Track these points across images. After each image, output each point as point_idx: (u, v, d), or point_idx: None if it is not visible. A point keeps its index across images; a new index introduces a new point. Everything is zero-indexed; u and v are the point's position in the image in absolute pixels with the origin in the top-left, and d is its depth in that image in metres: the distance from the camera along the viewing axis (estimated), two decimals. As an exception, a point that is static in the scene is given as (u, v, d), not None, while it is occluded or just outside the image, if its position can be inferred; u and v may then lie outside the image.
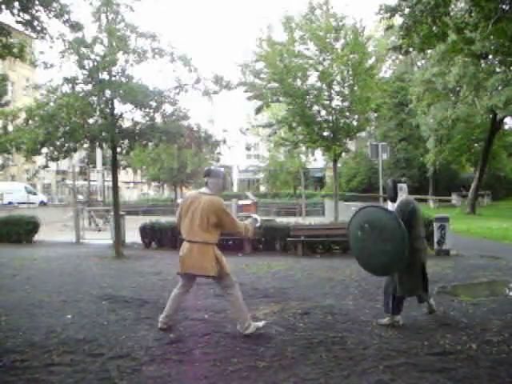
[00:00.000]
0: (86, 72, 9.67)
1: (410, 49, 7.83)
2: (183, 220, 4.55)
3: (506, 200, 36.73)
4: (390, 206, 5.32)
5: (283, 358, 3.93)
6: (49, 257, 10.63)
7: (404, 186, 5.14)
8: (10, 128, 22.22)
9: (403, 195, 5.09)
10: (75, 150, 10.37)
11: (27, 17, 6.37)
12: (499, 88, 21.46)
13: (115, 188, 11.31)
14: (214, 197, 4.53)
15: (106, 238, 13.86)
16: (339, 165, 26.76)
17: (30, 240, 14.12)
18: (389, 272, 4.87)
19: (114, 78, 9.78)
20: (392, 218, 4.68)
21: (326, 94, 14.37)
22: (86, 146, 11.10)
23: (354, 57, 13.73)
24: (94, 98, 9.86)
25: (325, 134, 14.66)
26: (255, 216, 4.83)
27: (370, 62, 14.40)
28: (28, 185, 34.27)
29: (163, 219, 13.61)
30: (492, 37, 7.43)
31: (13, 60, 7.40)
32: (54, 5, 6.48)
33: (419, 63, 34.57)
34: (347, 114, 14.52)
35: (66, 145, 9.94)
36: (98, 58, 9.58)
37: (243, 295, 6.35)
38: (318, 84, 14.39)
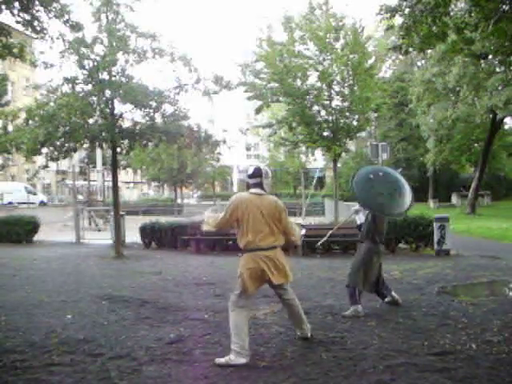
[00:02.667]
0: (85, 72, 9.67)
1: (410, 49, 7.81)
2: (249, 227, 3.98)
3: (506, 200, 36.70)
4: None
5: (283, 358, 3.93)
6: (49, 257, 10.63)
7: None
8: (10, 128, 22.23)
9: None
10: (75, 150, 10.37)
11: (27, 17, 6.36)
12: (499, 88, 21.42)
13: (115, 188, 11.31)
14: (274, 197, 4.26)
15: (106, 238, 13.85)
16: (339, 165, 26.74)
17: (30, 240, 14.12)
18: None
19: (114, 78, 9.78)
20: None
21: (326, 94, 14.37)
22: (85, 145, 11.10)
23: (353, 57, 13.73)
24: (94, 98, 9.86)
25: (325, 133, 14.66)
26: (302, 223, 4.78)
27: (370, 62, 14.40)
28: (28, 185, 34.32)
29: (163, 219, 13.61)
30: (492, 37, 7.40)
31: (13, 60, 7.39)
32: (54, 5, 6.48)
33: (419, 63, 34.55)
34: (347, 114, 14.51)
35: (66, 145, 9.94)
36: (98, 58, 9.59)
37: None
38: (318, 84, 14.39)
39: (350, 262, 5.60)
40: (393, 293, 5.65)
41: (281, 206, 4.14)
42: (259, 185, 4.12)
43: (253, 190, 4.12)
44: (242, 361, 3.80)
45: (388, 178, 5.45)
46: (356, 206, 5.85)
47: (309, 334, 4.36)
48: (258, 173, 4.15)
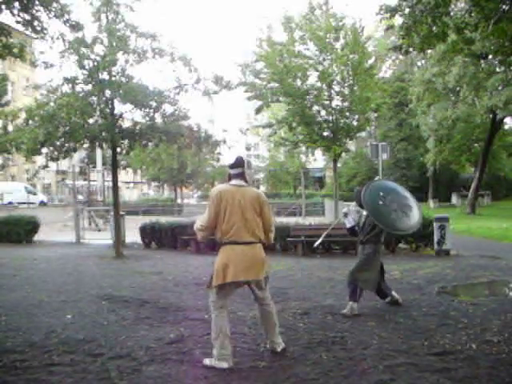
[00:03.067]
0: (85, 72, 9.67)
1: (410, 49, 7.82)
2: (225, 219, 3.76)
3: (506, 200, 36.73)
4: (353, 205, 5.80)
5: (283, 358, 3.93)
6: (49, 257, 10.63)
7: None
8: (10, 128, 22.25)
9: None
10: (75, 150, 10.38)
11: (27, 17, 6.37)
12: (499, 88, 21.43)
13: (115, 188, 11.31)
14: (256, 189, 4.03)
15: (106, 238, 13.86)
16: (339, 165, 26.75)
17: (30, 240, 14.13)
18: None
19: (114, 78, 9.78)
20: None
21: (326, 94, 14.39)
22: (85, 145, 11.10)
23: (353, 57, 13.75)
24: (94, 98, 9.86)
25: (325, 134, 14.69)
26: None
27: (370, 62, 14.42)
28: (28, 185, 34.30)
29: (163, 219, 13.61)
30: (492, 37, 7.41)
31: (13, 60, 7.40)
32: (54, 5, 6.48)
33: (419, 63, 34.55)
34: (347, 114, 14.54)
35: (66, 145, 9.94)
36: (98, 58, 9.59)
37: (243, 295, 6.37)
38: (318, 84, 14.41)
39: (355, 263, 5.63)
40: (393, 292, 5.67)
41: (263, 200, 3.90)
42: (241, 175, 3.86)
43: (233, 182, 3.86)
44: (225, 365, 3.67)
45: (398, 194, 5.59)
46: (345, 208, 5.88)
47: (279, 349, 3.97)
48: (240, 162, 3.88)
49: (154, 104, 9.91)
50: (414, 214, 5.46)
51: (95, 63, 9.57)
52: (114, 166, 11.07)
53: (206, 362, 3.77)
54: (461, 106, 25.33)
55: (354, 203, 5.80)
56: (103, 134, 9.76)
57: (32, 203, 28.63)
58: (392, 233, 5.54)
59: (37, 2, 6.33)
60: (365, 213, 5.55)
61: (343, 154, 21.28)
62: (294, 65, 13.80)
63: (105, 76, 9.77)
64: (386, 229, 5.38)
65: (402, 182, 36.69)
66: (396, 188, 5.80)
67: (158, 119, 10.29)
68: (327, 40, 13.77)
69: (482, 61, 20.68)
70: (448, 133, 27.79)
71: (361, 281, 5.35)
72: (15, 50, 6.96)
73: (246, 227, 3.77)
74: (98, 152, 28.77)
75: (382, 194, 5.32)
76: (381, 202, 5.21)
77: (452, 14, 7.35)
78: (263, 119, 30.75)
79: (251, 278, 3.82)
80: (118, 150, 10.82)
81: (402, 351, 4.04)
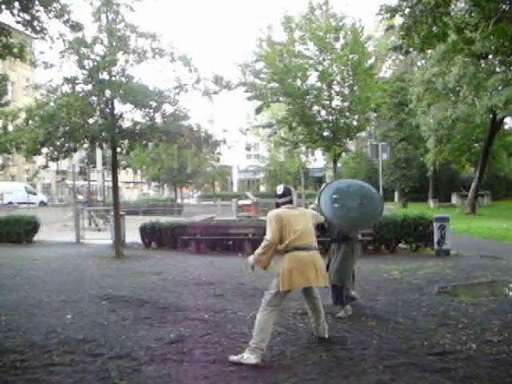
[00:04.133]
0: (85, 72, 9.67)
1: (410, 49, 7.82)
2: (290, 231, 4.08)
3: (506, 200, 36.71)
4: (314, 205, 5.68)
5: (283, 358, 3.93)
6: (49, 257, 10.63)
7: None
8: (10, 128, 22.25)
9: None
10: (75, 150, 10.37)
11: (27, 17, 6.36)
12: (499, 88, 21.41)
13: (115, 188, 11.30)
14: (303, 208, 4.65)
15: (106, 238, 13.85)
16: (339, 165, 26.76)
17: (29, 240, 14.12)
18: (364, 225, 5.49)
19: (114, 78, 9.78)
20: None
21: (326, 93, 14.39)
22: (85, 145, 11.10)
23: (353, 57, 13.75)
24: (94, 98, 9.86)
25: (325, 134, 14.69)
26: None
27: (370, 61, 14.42)
28: (28, 185, 34.32)
29: (163, 219, 13.61)
30: (492, 37, 7.40)
31: (13, 60, 7.40)
32: (54, 5, 6.48)
33: (419, 63, 34.55)
34: (347, 114, 14.54)
35: (66, 145, 9.94)
36: (98, 58, 9.58)
37: (243, 295, 6.36)
38: (318, 84, 14.42)
39: (333, 264, 5.51)
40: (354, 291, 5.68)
41: (311, 213, 4.50)
42: (290, 202, 4.31)
43: (285, 206, 4.29)
44: (254, 361, 3.79)
45: (351, 188, 5.43)
46: (312, 204, 5.82)
47: (326, 335, 4.42)
48: (288, 192, 4.34)
49: (154, 104, 9.91)
50: (374, 202, 5.37)
51: (95, 63, 9.57)
52: (113, 166, 11.06)
53: (234, 358, 3.87)
54: (461, 106, 25.31)
55: (315, 203, 5.73)
56: (103, 133, 9.76)
57: (32, 203, 28.62)
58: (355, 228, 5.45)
59: (37, 2, 6.32)
60: None
61: (343, 154, 21.30)
62: (294, 65, 13.80)
63: (105, 76, 9.76)
64: (346, 228, 5.35)
65: (402, 182, 36.78)
66: (350, 184, 5.73)
67: (158, 119, 10.29)
68: (327, 40, 13.77)
69: (482, 61, 20.64)
70: (448, 133, 27.77)
71: (346, 281, 5.33)
72: (15, 50, 6.96)
73: (307, 235, 4.14)
74: (98, 152, 28.79)
75: (335, 196, 5.17)
76: (336, 205, 5.09)
77: (452, 14, 7.35)
78: (263, 119, 30.77)
79: (315, 284, 4.19)
80: (118, 150, 10.82)
81: (402, 351, 4.04)
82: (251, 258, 4.13)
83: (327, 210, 5.05)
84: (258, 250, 4.07)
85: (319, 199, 5.18)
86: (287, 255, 4.07)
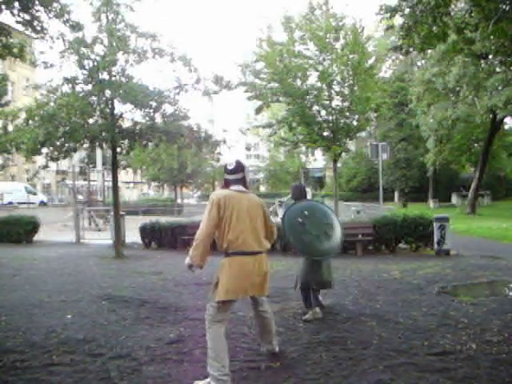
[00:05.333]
0: (85, 72, 9.67)
1: (410, 49, 7.82)
2: (231, 226, 3.47)
3: (506, 200, 36.74)
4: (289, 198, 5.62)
5: (283, 358, 3.93)
6: (49, 257, 10.63)
7: (309, 190, 5.46)
8: (10, 128, 22.25)
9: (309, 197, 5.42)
10: (75, 150, 10.37)
11: (27, 17, 6.36)
12: (499, 88, 21.43)
13: (115, 188, 11.31)
14: (255, 195, 3.80)
15: (106, 238, 13.86)
16: (339, 165, 26.76)
17: (30, 240, 14.13)
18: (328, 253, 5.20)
19: (114, 78, 9.78)
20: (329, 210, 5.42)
21: (326, 93, 14.37)
22: (85, 146, 11.10)
23: (353, 57, 13.73)
24: (94, 98, 9.86)
25: (325, 134, 14.66)
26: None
27: (370, 62, 14.40)
28: (28, 185, 34.31)
29: (163, 219, 13.61)
30: (492, 37, 7.40)
31: (13, 60, 7.40)
32: (54, 5, 6.48)
33: (419, 63, 34.56)
34: (347, 114, 14.51)
35: (66, 145, 9.94)
36: (98, 58, 9.58)
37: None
38: (318, 84, 14.39)
39: (300, 268, 5.41)
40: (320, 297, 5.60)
41: (264, 206, 3.75)
42: (241, 181, 3.64)
43: (234, 187, 3.61)
44: None
45: (316, 215, 5.20)
46: (283, 198, 5.78)
47: (277, 349, 3.97)
48: (241, 168, 3.64)
49: (154, 104, 9.91)
50: (335, 235, 5.17)
51: (95, 63, 9.57)
52: (113, 166, 11.07)
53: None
54: (461, 106, 25.33)
55: (289, 197, 5.69)
56: (103, 133, 9.76)
57: (32, 203, 28.63)
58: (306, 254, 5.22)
59: (37, 2, 6.32)
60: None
61: (343, 154, 21.24)
62: (294, 65, 13.78)
63: (105, 76, 9.77)
64: (299, 251, 5.21)
65: (402, 182, 36.81)
66: (316, 206, 5.52)
67: (158, 119, 10.29)
68: (327, 40, 13.75)
69: (482, 61, 20.67)
70: (448, 133, 27.80)
71: (315, 283, 5.23)
72: (15, 50, 6.95)
73: (254, 235, 3.54)
74: (98, 152, 28.77)
75: (306, 213, 5.04)
76: (300, 220, 4.95)
77: (452, 14, 7.34)
78: (263, 119, 30.79)
79: (258, 294, 3.67)
80: (118, 150, 10.82)
81: (401, 351, 4.04)
82: (187, 259, 3.59)
83: (288, 220, 4.95)
84: (191, 249, 3.53)
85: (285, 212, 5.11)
86: (227, 260, 3.51)
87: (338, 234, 5.21)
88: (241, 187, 3.62)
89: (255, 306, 3.85)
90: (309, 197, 5.55)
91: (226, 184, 3.66)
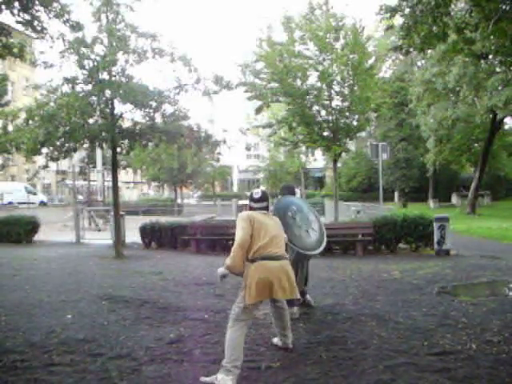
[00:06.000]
0: (85, 72, 9.67)
1: (410, 49, 7.82)
2: (260, 236, 3.78)
3: (506, 200, 36.72)
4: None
5: (283, 358, 3.93)
6: (49, 257, 10.63)
7: (298, 190, 5.48)
8: (10, 128, 22.26)
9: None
10: (75, 150, 10.37)
11: (27, 17, 6.37)
12: (499, 88, 21.42)
13: (115, 188, 11.30)
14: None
15: (106, 238, 13.86)
16: (339, 165, 26.76)
17: (29, 240, 14.13)
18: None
19: (113, 78, 9.78)
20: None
21: (326, 93, 14.37)
22: (85, 146, 11.10)
23: (353, 57, 13.74)
24: (94, 98, 9.85)
25: (325, 134, 14.68)
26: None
27: (370, 62, 14.41)
28: (28, 185, 34.31)
29: (163, 219, 13.61)
30: (492, 37, 7.41)
31: (13, 60, 7.40)
32: (54, 5, 6.49)
33: (419, 63, 34.56)
34: (347, 114, 14.53)
35: (66, 145, 9.94)
36: (98, 58, 9.58)
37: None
38: (318, 84, 14.40)
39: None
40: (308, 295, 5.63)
41: (281, 225, 4.13)
42: (266, 209, 4.05)
43: (259, 212, 3.99)
44: (229, 383, 3.44)
45: (303, 211, 5.33)
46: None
47: (290, 345, 4.17)
48: (265, 198, 4.03)
49: (154, 104, 9.91)
50: (320, 232, 5.28)
51: (95, 63, 9.57)
52: (113, 166, 11.06)
53: (206, 380, 3.54)
54: (461, 106, 25.34)
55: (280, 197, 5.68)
56: (103, 134, 9.76)
57: (32, 203, 28.60)
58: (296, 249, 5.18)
59: (37, 2, 6.33)
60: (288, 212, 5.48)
61: (343, 154, 21.26)
62: (294, 65, 13.79)
63: (105, 76, 9.76)
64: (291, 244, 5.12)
65: (402, 182, 36.81)
66: (302, 202, 5.67)
67: (158, 119, 10.29)
68: (327, 40, 13.75)
69: (482, 61, 20.63)
70: (448, 133, 27.80)
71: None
72: (15, 50, 6.96)
73: (277, 242, 3.85)
74: (98, 152, 28.75)
75: (294, 208, 5.15)
76: (290, 214, 5.07)
77: (452, 14, 7.34)
78: (263, 119, 30.74)
79: (283, 297, 3.83)
80: (118, 150, 10.82)
81: (401, 351, 4.04)
82: (221, 269, 3.69)
83: (279, 215, 4.86)
84: (229, 258, 3.67)
85: (277, 204, 5.19)
86: (254, 264, 3.70)
87: (322, 231, 5.35)
88: (264, 212, 4.01)
89: (274, 301, 4.10)
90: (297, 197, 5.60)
91: (250, 209, 4.04)
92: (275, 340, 4.29)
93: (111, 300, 6.07)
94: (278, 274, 3.71)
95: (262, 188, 4.58)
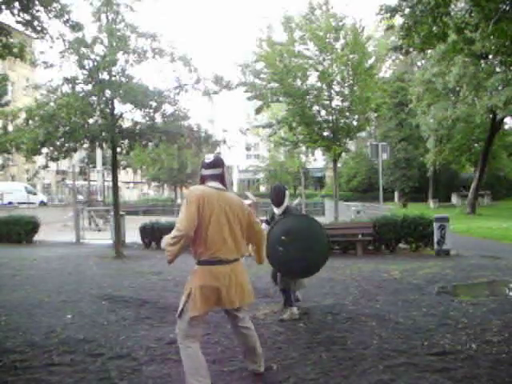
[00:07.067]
0: (86, 72, 9.68)
1: (410, 49, 7.82)
2: (209, 230, 3.08)
3: (506, 200, 36.72)
4: (276, 209, 5.46)
5: (283, 358, 3.93)
6: (49, 257, 10.63)
7: (287, 192, 5.49)
8: (10, 128, 22.25)
9: (287, 200, 5.43)
10: (75, 150, 10.38)
11: (27, 17, 6.37)
12: (499, 88, 21.44)
13: (115, 188, 11.31)
14: (237, 196, 3.42)
15: (106, 238, 13.86)
16: (339, 165, 26.75)
17: (30, 240, 14.14)
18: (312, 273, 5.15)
19: (114, 78, 9.79)
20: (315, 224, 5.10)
21: (326, 93, 14.38)
22: (85, 146, 11.11)
23: (353, 57, 13.74)
24: (94, 98, 9.87)
25: (325, 133, 14.68)
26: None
27: (370, 62, 14.41)
28: (28, 185, 34.29)
29: (163, 219, 13.60)
30: (492, 37, 7.41)
31: (13, 60, 7.40)
32: (54, 5, 6.49)
33: (419, 63, 34.57)
34: (347, 114, 14.53)
35: (66, 145, 9.95)
36: (98, 58, 9.59)
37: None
38: (318, 84, 14.41)
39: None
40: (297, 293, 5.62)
41: (248, 208, 3.33)
42: (219, 177, 3.23)
43: (211, 184, 3.20)
44: None
45: (301, 233, 5.01)
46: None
47: (262, 370, 3.52)
48: (219, 162, 3.27)
49: (154, 104, 9.92)
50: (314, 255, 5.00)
51: (95, 63, 9.58)
52: (113, 166, 11.07)
53: None
54: (461, 106, 25.34)
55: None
56: (103, 134, 9.76)
57: (32, 203, 28.58)
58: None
59: (37, 2, 6.33)
60: (276, 211, 5.39)
61: (343, 154, 21.28)
62: (294, 65, 13.79)
63: (105, 76, 9.77)
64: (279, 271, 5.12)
65: (402, 182, 36.82)
66: (299, 224, 5.21)
67: (158, 119, 10.30)
68: (327, 40, 13.76)
69: (482, 61, 20.67)
70: (448, 133, 27.82)
71: (289, 284, 5.21)
72: (15, 50, 6.96)
73: (234, 242, 3.17)
74: (98, 152, 28.79)
75: (283, 237, 4.88)
76: (280, 248, 4.85)
77: (452, 14, 7.34)
78: (263, 119, 30.73)
79: (232, 306, 3.18)
80: (118, 150, 10.83)
81: (401, 351, 4.04)
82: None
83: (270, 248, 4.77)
84: (168, 240, 3.06)
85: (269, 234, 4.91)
86: (198, 269, 3.13)
87: (323, 247, 5.05)
88: (218, 184, 3.22)
89: (234, 322, 3.38)
90: (286, 200, 5.39)
91: (202, 180, 3.27)
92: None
93: (111, 300, 6.07)
94: (226, 282, 3.09)
95: (217, 155, 4.37)
